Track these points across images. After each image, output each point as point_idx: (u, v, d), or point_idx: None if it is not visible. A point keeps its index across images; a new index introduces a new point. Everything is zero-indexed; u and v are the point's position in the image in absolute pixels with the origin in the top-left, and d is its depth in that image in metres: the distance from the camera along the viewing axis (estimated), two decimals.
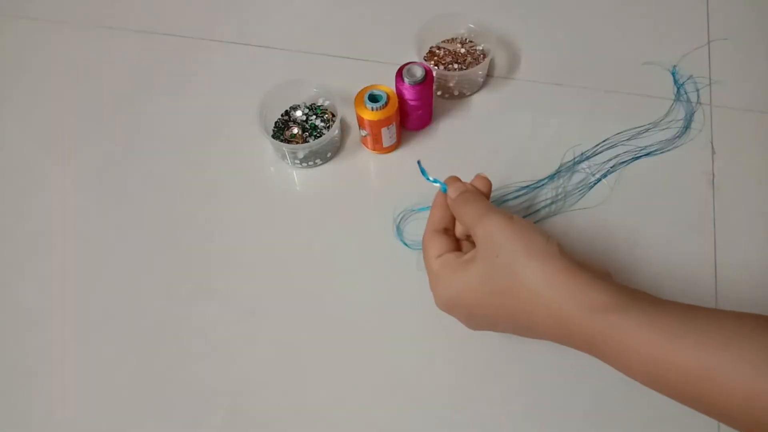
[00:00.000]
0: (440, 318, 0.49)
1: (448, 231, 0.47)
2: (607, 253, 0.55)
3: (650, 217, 0.56)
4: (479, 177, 0.48)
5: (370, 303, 0.54)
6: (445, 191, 0.48)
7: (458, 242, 0.48)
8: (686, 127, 0.61)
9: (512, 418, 0.49)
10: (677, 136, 0.60)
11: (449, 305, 0.45)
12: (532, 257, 0.40)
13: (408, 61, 0.57)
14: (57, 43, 0.72)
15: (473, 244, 0.46)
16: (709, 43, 0.66)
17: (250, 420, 0.50)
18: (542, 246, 0.40)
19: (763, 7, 0.70)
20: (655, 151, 0.59)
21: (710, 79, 0.64)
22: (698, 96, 0.63)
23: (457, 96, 0.64)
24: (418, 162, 0.51)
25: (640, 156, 0.59)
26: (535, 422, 0.49)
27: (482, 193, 0.47)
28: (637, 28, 0.67)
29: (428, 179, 0.50)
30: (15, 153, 0.64)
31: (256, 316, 0.54)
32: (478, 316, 0.44)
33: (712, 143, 0.60)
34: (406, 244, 0.56)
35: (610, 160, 0.59)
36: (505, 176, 0.59)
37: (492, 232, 0.42)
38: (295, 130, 0.61)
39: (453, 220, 0.48)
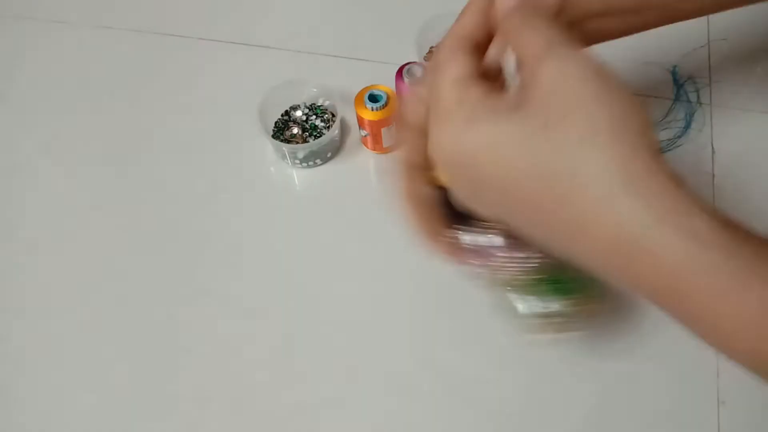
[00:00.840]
0: (440, 318, 0.50)
1: (480, 49, 0.32)
2: None
3: None
4: None
5: (371, 303, 0.54)
6: None
7: (486, 76, 0.32)
8: (686, 127, 0.61)
9: (512, 419, 0.49)
10: (677, 136, 0.60)
11: (457, 162, 0.30)
12: (621, 140, 0.27)
13: (408, 61, 0.57)
14: (57, 43, 0.72)
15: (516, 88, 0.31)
16: (709, 43, 0.66)
17: (250, 420, 0.50)
18: (639, 129, 0.27)
19: (763, 6, 0.70)
20: None
21: (710, 79, 0.64)
22: (698, 96, 0.63)
23: None
24: None
25: None
26: (535, 423, 0.49)
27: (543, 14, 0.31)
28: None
29: None
30: (14, 153, 0.64)
31: (256, 316, 0.54)
32: (493, 191, 0.29)
33: (712, 143, 0.60)
34: None
35: None
36: None
37: (570, 79, 0.27)
38: (295, 130, 0.61)
39: (489, 37, 0.33)
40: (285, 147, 0.58)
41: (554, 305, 0.37)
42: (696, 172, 0.58)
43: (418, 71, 0.56)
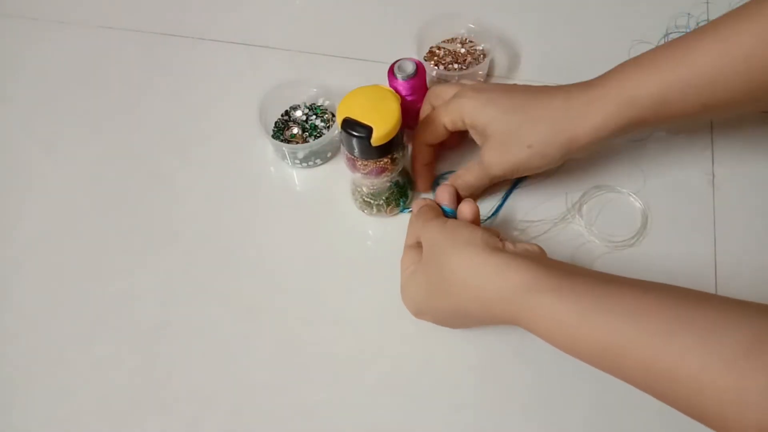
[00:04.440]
0: None
1: (420, 245, 0.49)
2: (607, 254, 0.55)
3: (650, 217, 0.56)
4: (466, 202, 0.50)
5: (371, 302, 0.54)
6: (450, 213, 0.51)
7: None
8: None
9: (512, 419, 0.49)
10: (675, 133, 0.60)
11: (415, 312, 0.48)
12: (455, 248, 0.43)
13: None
14: (57, 43, 0.72)
15: None
16: None
17: (250, 420, 0.50)
18: (466, 237, 0.43)
19: None
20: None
21: None
22: None
23: None
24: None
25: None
26: (535, 423, 0.49)
27: (437, 207, 0.50)
28: (638, 28, 0.67)
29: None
30: (14, 153, 0.64)
31: (256, 316, 0.54)
32: (438, 316, 0.48)
33: (712, 144, 0.60)
34: None
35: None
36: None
37: (430, 236, 0.46)
38: (295, 130, 0.61)
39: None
40: (285, 147, 0.58)
41: (380, 199, 0.56)
42: (696, 172, 0.58)
43: (408, 66, 0.56)
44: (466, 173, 0.54)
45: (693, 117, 0.47)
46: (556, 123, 0.49)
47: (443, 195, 0.51)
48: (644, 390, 0.37)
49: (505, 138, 0.50)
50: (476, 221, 0.49)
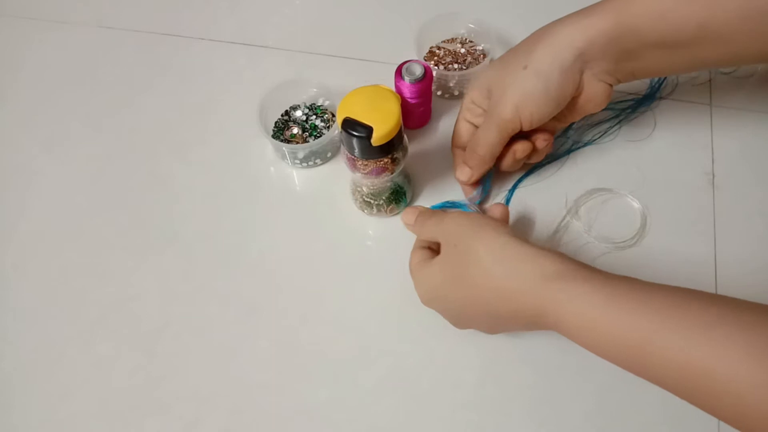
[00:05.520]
0: (441, 317, 0.49)
1: (431, 248, 0.50)
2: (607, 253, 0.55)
3: (650, 217, 0.56)
4: (497, 204, 0.51)
5: (371, 302, 0.54)
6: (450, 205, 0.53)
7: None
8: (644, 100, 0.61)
9: (512, 419, 0.49)
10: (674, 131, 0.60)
11: (426, 299, 0.48)
12: (482, 235, 0.43)
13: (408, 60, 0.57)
14: (56, 43, 0.72)
15: None
16: None
17: (250, 420, 0.50)
18: (493, 226, 0.44)
19: None
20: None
21: (710, 78, 0.64)
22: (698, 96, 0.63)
23: (457, 96, 0.64)
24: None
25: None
26: (535, 423, 0.49)
27: (431, 209, 0.51)
28: None
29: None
30: (14, 153, 0.64)
31: (255, 316, 0.54)
32: (451, 309, 0.47)
33: (712, 143, 0.60)
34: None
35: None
36: (504, 174, 0.59)
37: (449, 227, 0.46)
38: (295, 130, 0.61)
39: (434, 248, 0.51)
40: (285, 147, 0.58)
41: (380, 199, 0.56)
42: (696, 172, 0.58)
43: (417, 69, 0.56)
44: (479, 131, 0.52)
45: (689, 43, 0.45)
46: (548, 39, 0.48)
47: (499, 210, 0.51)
48: (678, 395, 0.36)
49: (503, 72, 0.50)
50: (505, 222, 0.49)
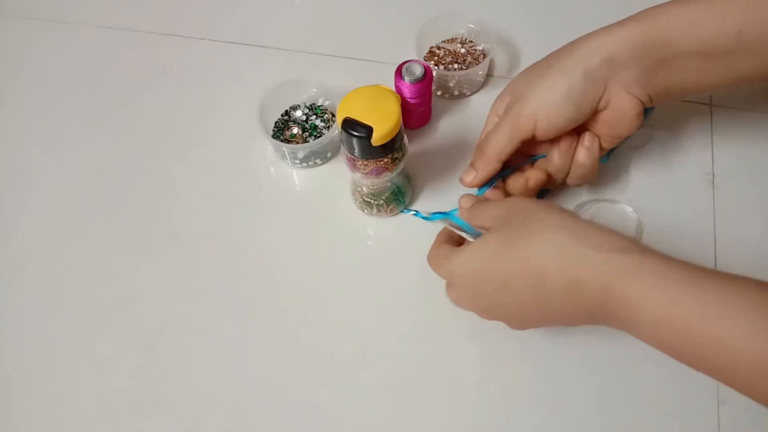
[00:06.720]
0: (442, 316, 0.50)
1: (452, 239, 0.50)
2: None
3: (650, 217, 0.56)
4: (536, 169, 0.51)
5: (371, 302, 0.54)
6: (450, 217, 0.52)
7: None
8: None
9: (512, 420, 0.49)
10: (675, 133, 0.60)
11: (463, 280, 0.45)
12: (549, 208, 0.43)
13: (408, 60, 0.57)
14: (56, 43, 0.71)
15: None
16: None
17: (250, 420, 0.50)
18: (558, 208, 0.43)
19: None
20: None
21: None
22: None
23: (457, 96, 0.64)
24: (415, 213, 0.57)
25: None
26: (536, 423, 0.49)
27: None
28: None
29: (427, 218, 0.56)
30: (13, 153, 0.64)
31: (255, 316, 0.54)
32: (495, 281, 0.43)
33: (712, 143, 0.60)
34: (424, 217, 0.56)
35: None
36: None
37: (514, 202, 0.46)
38: (295, 130, 0.61)
39: (457, 243, 0.49)
40: (285, 147, 0.58)
41: (380, 199, 0.56)
42: (696, 172, 0.58)
43: (417, 69, 0.56)
44: (491, 129, 0.50)
45: (725, 53, 0.44)
46: (576, 47, 0.47)
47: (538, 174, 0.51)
48: (740, 389, 0.36)
49: (528, 75, 0.49)
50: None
